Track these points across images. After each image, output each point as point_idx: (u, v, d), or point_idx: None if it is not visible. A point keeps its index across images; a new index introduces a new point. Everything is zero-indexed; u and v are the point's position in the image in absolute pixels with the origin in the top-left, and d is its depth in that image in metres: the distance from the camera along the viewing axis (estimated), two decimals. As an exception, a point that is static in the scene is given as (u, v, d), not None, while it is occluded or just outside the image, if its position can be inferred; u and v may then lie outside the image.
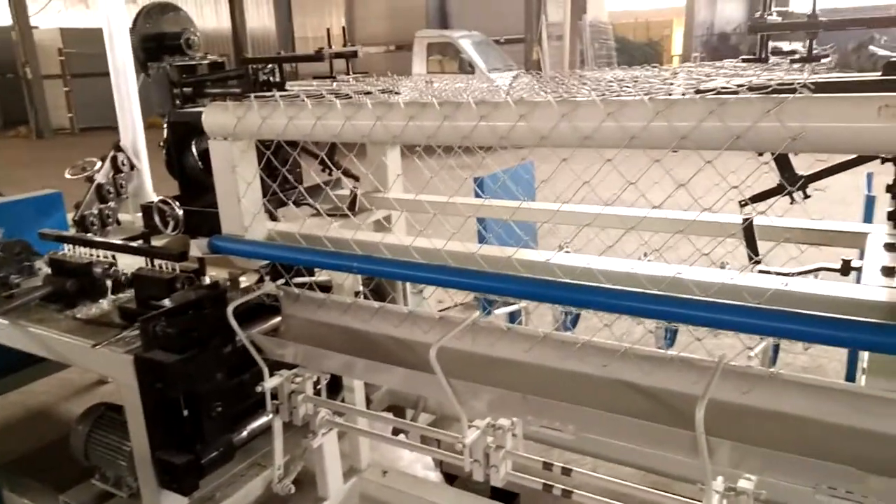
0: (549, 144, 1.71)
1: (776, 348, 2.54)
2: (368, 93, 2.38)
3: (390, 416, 2.91)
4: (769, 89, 1.48)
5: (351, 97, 2.17)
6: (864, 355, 2.67)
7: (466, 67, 14.10)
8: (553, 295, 1.73)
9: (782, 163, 1.84)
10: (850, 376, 3.33)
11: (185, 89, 2.87)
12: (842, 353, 4.01)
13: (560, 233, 2.46)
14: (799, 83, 1.48)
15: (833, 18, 1.66)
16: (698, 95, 1.53)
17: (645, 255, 2.60)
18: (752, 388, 1.61)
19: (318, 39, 24.43)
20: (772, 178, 1.93)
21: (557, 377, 1.87)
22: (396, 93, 2.57)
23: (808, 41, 1.69)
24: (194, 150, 2.91)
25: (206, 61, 2.90)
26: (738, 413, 1.62)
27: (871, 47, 21.63)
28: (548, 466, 1.94)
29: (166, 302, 2.30)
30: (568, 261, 1.87)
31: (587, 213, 2.25)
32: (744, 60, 1.82)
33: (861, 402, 1.52)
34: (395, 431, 2.78)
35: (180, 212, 2.71)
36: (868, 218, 3.03)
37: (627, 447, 2.27)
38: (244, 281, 2.70)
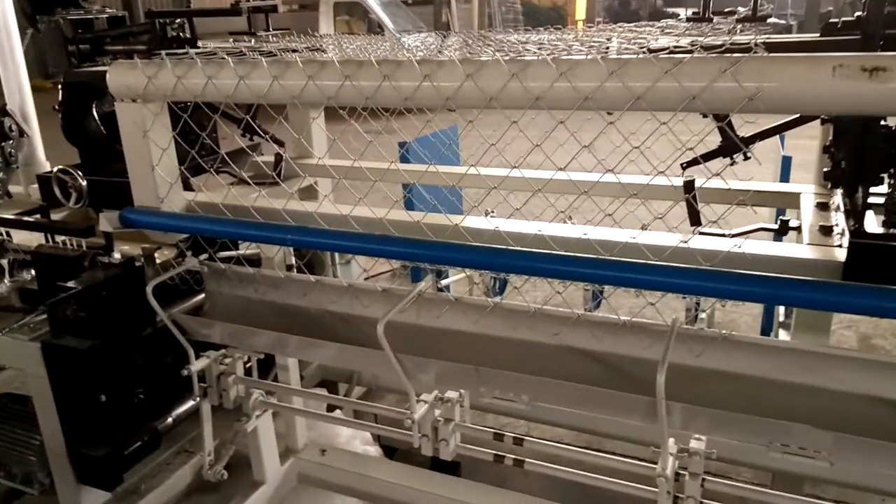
0: (499, 106, 1.63)
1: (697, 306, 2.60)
2: (294, 51, 2.22)
3: (325, 392, 2.82)
4: (723, 49, 1.45)
5: (276, 55, 2.01)
6: (780, 310, 2.77)
7: (375, 28, 13.71)
8: (511, 264, 1.66)
9: (725, 125, 1.83)
10: (766, 331, 3.49)
11: (81, 46, 2.59)
12: (753, 308, 4.21)
13: (489, 197, 2.43)
14: (752, 42, 1.46)
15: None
16: (652, 55, 1.49)
17: (569, 218, 2.59)
18: (704, 349, 1.61)
19: (214, -3, 23.12)
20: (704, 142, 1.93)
21: (508, 347, 1.83)
22: (323, 51, 2.42)
23: (752, 1, 1.68)
24: (95, 113, 2.65)
25: (104, 15, 2.62)
26: (691, 375, 1.63)
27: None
28: (499, 437, 1.91)
29: (75, 283, 2.08)
30: (516, 228, 1.81)
31: (537, 179, 2.18)
32: (688, 20, 1.79)
33: (810, 359, 1.55)
34: (330, 408, 2.68)
35: (83, 182, 2.46)
36: (784, 177, 3.13)
37: (579, 413, 2.27)
38: (160, 256, 2.50)
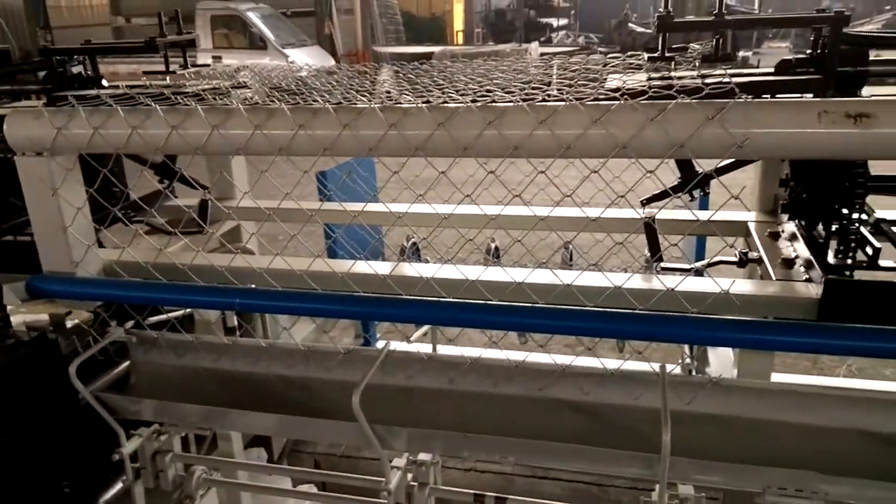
0: (473, 155, 1.53)
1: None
2: (220, 92, 2.02)
3: (263, 451, 2.60)
4: (703, 93, 1.43)
5: (206, 99, 1.82)
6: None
7: (257, 42, 13.24)
8: (512, 322, 1.57)
9: (683, 161, 1.83)
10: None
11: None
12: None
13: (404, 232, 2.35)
14: (731, 84, 1.45)
15: (739, 18, 1.66)
16: (634, 100, 1.44)
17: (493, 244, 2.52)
18: (695, 395, 1.58)
19: (72, 9, 21.60)
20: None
21: (490, 404, 1.73)
22: (247, 86, 2.23)
23: (716, 39, 1.68)
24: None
25: (-17, 50, 2.29)
26: (683, 420, 1.59)
27: (630, 25, 24.01)
28: (480, 498, 1.80)
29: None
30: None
31: (476, 216, 2.10)
32: (649, 59, 1.77)
33: (801, 398, 1.55)
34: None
35: (-28, 244, 2.14)
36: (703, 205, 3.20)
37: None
38: (72, 319, 2.21)
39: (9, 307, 2.11)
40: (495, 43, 21.12)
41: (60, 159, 1.82)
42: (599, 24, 27.03)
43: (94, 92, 1.94)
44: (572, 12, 31.25)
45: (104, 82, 2.20)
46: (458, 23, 25.82)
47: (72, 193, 1.85)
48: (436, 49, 16.07)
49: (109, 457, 1.90)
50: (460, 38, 24.44)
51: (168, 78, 2.21)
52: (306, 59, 11.72)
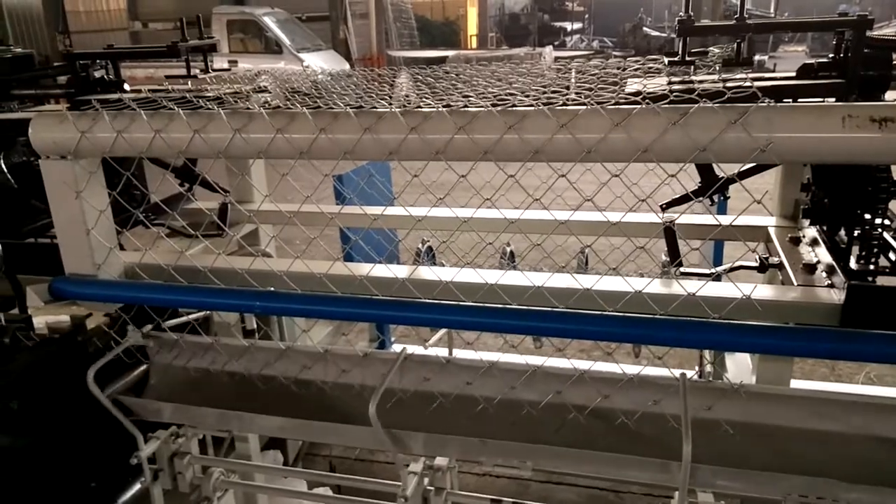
0: (494, 159, 1.53)
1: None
2: (240, 94, 2.04)
3: (278, 452, 2.62)
4: (725, 97, 1.42)
5: (227, 103, 1.83)
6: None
7: (273, 47, 13.32)
8: (503, 323, 1.57)
9: (703, 165, 1.82)
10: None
11: (-18, 90, 2.28)
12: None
13: (417, 236, 2.36)
14: (753, 88, 1.44)
15: (760, 22, 1.66)
16: (656, 105, 1.43)
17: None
18: (715, 402, 1.57)
19: (90, 14, 21.82)
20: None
21: (506, 408, 1.72)
22: (267, 90, 2.25)
23: (736, 43, 1.67)
24: (3, 164, 2.34)
25: (9, 55, 2.32)
26: (701, 427, 1.58)
27: (645, 28, 23.95)
28: (497, 503, 1.80)
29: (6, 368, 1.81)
30: (513, 280, 1.71)
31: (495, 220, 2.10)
32: (669, 63, 1.77)
33: (823, 406, 1.54)
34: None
35: (-3, 246, 2.16)
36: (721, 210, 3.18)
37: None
38: (91, 321, 2.23)
39: (31, 308, 2.15)
40: (509, 47, 21.12)
41: (84, 162, 1.84)
42: (613, 28, 26.95)
43: (116, 96, 1.96)
44: (586, 16, 31.22)
45: (126, 86, 2.22)
46: (472, 27, 25.83)
47: (94, 196, 1.87)
48: (450, 53, 16.10)
49: (128, 458, 1.93)
50: (474, 42, 24.45)
51: (189, 82, 2.22)
52: (321, 63, 11.78)
